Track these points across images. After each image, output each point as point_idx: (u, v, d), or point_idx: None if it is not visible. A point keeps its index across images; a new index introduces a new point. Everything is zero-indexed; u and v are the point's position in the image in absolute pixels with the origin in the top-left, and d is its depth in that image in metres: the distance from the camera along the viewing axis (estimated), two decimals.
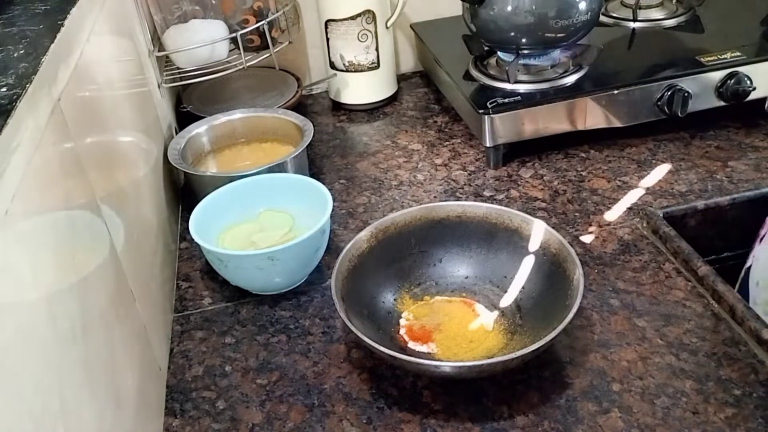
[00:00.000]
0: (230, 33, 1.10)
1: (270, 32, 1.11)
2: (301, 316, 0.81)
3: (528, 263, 0.78)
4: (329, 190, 0.85)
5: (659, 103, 1.01)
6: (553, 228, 0.77)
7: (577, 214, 0.92)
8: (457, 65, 1.12)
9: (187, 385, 0.74)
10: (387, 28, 1.19)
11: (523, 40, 1.02)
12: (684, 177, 0.96)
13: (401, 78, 1.32)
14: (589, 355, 0.72)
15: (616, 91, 1.01)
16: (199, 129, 1.05)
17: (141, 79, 0.95)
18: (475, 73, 1.09)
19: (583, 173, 1.00)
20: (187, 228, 0.82)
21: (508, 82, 1.04)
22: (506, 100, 1.00)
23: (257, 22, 1.10)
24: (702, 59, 1.03)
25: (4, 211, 0.41)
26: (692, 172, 0.97)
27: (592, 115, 1.01)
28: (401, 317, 0.78)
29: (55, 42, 0.55)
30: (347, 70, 1.21)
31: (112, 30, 0.83)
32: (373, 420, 0.67)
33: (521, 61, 1.05)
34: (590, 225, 0.90)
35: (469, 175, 1.03)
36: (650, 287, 0.79)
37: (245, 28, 1.08)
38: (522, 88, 1.03)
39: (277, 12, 1.11)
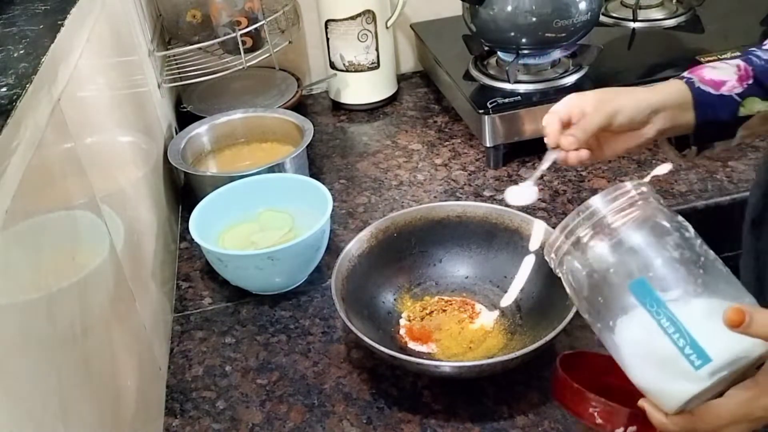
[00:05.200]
0: (221, 36, 1.10)
1: (263, 33, 1.11)
2: (301, 316, 0.81)
3: (528, 263, 0.78)
4: (329, 190, 0.85)
5: None
6: (553, 228, 0.77)
7: None
8: (457, 65, 1.12)
9: (187, 385, 0.74)
10: (387, 28, 1.19)
11: (523, 40, 1.02)
12: (684, 177, 0.96)
13: (401, 78, 1.32)
14: None
15: None
16: (199, 129, 1.05)
17: (141, 79, 0.95)
18: (475, 73, 1.09)
19: (583, 173, 1.00)
20: (187, 228, 0.82)
21: (508, 82, 1.04)
22: (506, 100, 1.00)
23: (249, 23, 1.10)
24: (702, 59, 1.03)
25: (4, 211, 0.41)
26: (692, 172, 0.97)
27: None
28: (401, 317, 0.78)
29: (55, 42, 0.55)
30: (347, 70, 1.21)
31: (112, 30, 0.83)
32: (373, 420, 0.67)
33: (521, 61, 1.05)
34: None
35: (469, 175, 1.03)
36: None
37: (239, 29, 1.08)
38: (522, 88, 1.03)
39: (265, 14, 1.11)
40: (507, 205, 0.76)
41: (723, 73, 0.66)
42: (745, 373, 0.48)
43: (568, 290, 0.56)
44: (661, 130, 0.67)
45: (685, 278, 0.50)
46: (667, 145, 0.72)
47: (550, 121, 0.69)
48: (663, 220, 0.52)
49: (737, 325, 0.44)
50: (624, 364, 0.52)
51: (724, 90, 0.66)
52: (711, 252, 0.51)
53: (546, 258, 0.57)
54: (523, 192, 0.73)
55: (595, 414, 0.54)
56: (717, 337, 0.47)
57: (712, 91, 0.66)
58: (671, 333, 0.48)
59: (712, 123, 0.67)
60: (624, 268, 0.51)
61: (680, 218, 0.53)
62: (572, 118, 0.67)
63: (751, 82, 0.66)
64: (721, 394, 0.48)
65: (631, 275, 0.50)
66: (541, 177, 0.85)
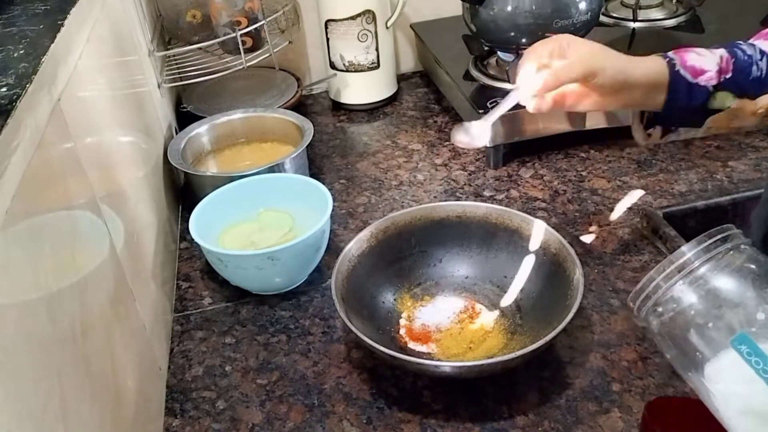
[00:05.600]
0: (221, 36, 1.10)
1: (263, 33, 1.11)
2: (301, 316, 0.81)
3: (528, 263, 0.78)
4: (329, 190, 0.85)
5: None
6: (553, 228, 0.77)
7: (577, 214, 0.92)
8: (457, 65, 1.12)
9: (187, 385, 0.74)
10: (387, 28, 1.19)
11: (523, 40, 1.02)
12: (684, 177, 0.96)
13: (401, 78, 1.32)
14: (589, 355, 0.72)
15: None
16: (199, 129, 1.05)
17: (141, 79, 0.95)
18: (475, 73, 1.09)
19: (583, 173, 1.00)
20: (187, 228, 0.82)
21: (508, 82, 1.04)
22: None
23: (249, 23, 1.10)
24: None
25: (4, 211, 0.41)
26: (692, 172, 0.97)
27: (592, 115, 1.01)
28: (401, 317, 0.78)
29: (55, 42, 0.55)
30: (347, 70, 1.21)
31: (112, 30, 0.83)
32: (373, 420, 0.67)
33: None
34: (590, 225, 0.90)
35: (469, 175, 1.03)
36: None
37: (239, 29, 1.08)
38: None
39: (265, 14, 1.11)
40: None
41: (706, 62, 0.65)
42: None
43: (657, 340, 0.52)
44: (628, 105, 0.67)
45: None
46: (636, 124, 0.71)
47: (530, 58, 0.67)
48: (760, 269, 0.50)
49: None
50: (721, 416, 0.49)
51: (701, 79, 0.65)
52: None
53: (630, 305, 0.53)
54: (476, 131, 0.70)
55: None
56: None
57: (689, 77, 0.65)
58: None
59: (681, 108, 0.66)
60: (724, 323, 0.48)
61: None
62: (554, 56, 0.66)
63: (729, 75, 0.65)
64: None
65: (732, 330, 0.48)
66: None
